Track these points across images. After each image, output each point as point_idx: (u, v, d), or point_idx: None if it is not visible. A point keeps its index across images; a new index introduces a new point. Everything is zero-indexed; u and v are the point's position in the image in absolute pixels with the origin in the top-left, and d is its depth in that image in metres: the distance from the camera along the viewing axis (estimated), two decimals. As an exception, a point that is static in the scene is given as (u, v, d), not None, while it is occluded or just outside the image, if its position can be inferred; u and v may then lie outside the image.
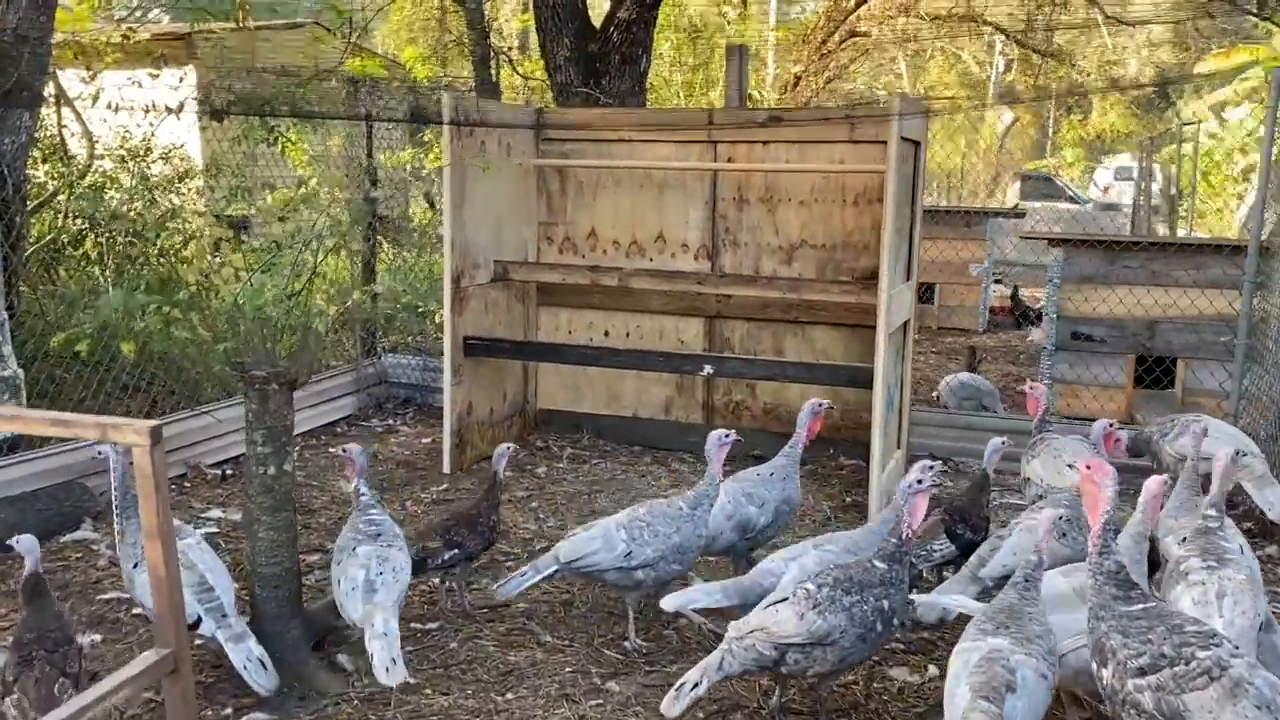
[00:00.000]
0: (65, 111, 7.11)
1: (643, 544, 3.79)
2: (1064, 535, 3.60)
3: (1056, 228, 13.79)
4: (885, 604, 3.14)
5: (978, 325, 11.54)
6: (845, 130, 5.98)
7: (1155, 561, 3.61)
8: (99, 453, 3.88)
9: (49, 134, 7.31)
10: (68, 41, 6.74)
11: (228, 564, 3.86)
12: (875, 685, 3.64)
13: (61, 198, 7.06)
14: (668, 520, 3.85)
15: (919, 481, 3.25)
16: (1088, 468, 2.96)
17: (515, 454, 4.39)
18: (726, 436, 4.00)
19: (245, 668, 3.39)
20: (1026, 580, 3.01)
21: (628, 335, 6.71)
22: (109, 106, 6.09)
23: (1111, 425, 4.30)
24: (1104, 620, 2.80)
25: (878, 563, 3.20)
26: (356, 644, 3.81)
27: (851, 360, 6.05)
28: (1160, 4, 19.44)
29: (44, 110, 6.54)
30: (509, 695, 3.58)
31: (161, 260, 7.18)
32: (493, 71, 10.71)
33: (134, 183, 7.42)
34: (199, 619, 3.41)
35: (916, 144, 5.61)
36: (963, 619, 3.22)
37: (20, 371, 5.31)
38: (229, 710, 3.44)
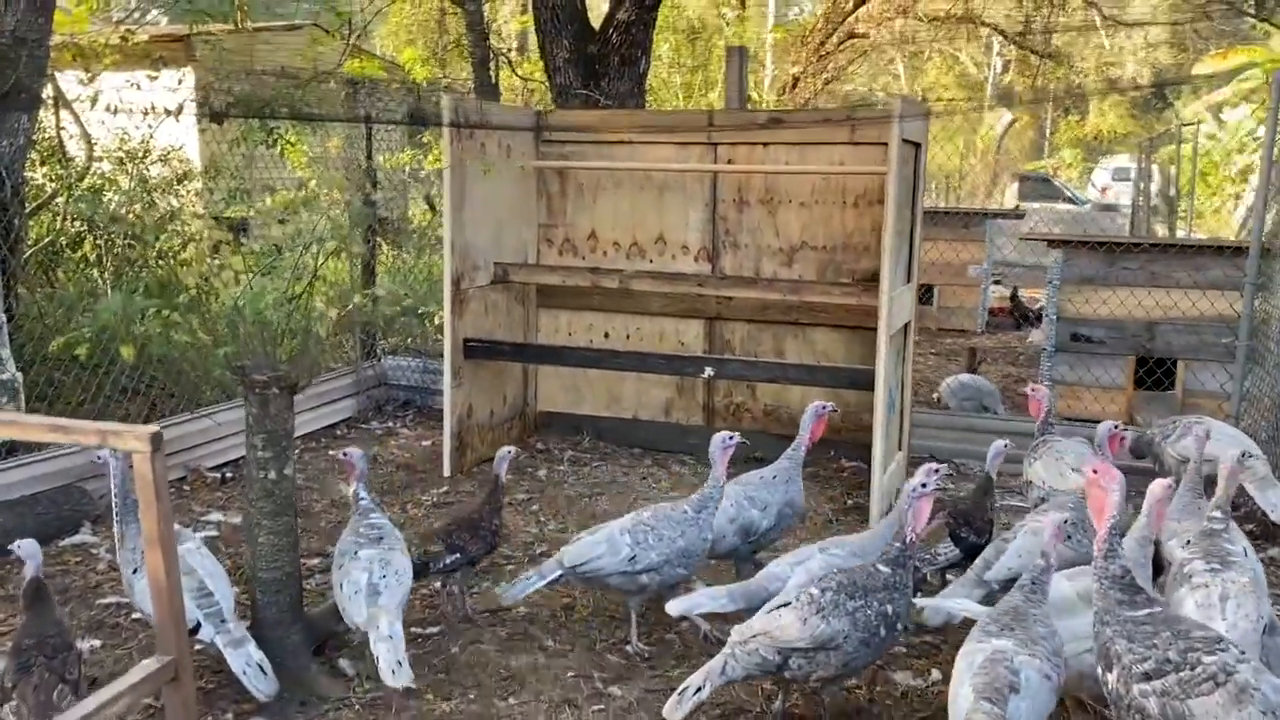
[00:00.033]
0: (63, 113, 7.09)
1: (647, 548, 3.78)
2: (1069, 538, 3.59)
3: (1055, 229, 13.80)
4: (889, 608, 3.13)
5: (976, 326, 11.54)
6: (845, 132, 5.98)
7: (1159, 565, 3.60)
8: (98, 457, 3.86)
9: (47, 136, 7.30)
10: (66, 43, 6.72)
11: (227, 568, 3.85)
12: (878, 689, 3.63)
13: (60, 200, 7.05)
14: (672, 524, 3.84)
15: (923, 485, 3.24)
16: (1094, 472, 2.95)
17: (516, 457, 4.38)
18: (730, 439, 3.97)
19: (245, 673, 3.38)
20: (1034, 583, 3.00)
21: (628, 337, 6.70)
22: (108, 109, 6.07)
23: (1117, 427, 4.28)
24: (1109, 625, 2.79)
25: (881, 567, 3.19)
26: (357, 649, 3.80)
27: (852, 362, 6.04)
28: (1158, 5, 19.47)
29: (42, 112, 6.53)
30: (511, 700, 3.57)
31: (160, 263, 7.16)
32: (492, 73, 10.70)
33: (133, 185, 7.40)
34: (198, 624, 3.39)
35: (917, 145, 5.60)
36: (968, 622, 3.21)
37: (19, 375, 5.29)
38: (230, 716, 3.43)
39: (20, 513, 4.77)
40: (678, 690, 3.13)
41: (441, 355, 6.24)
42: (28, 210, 6.33)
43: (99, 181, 7.41)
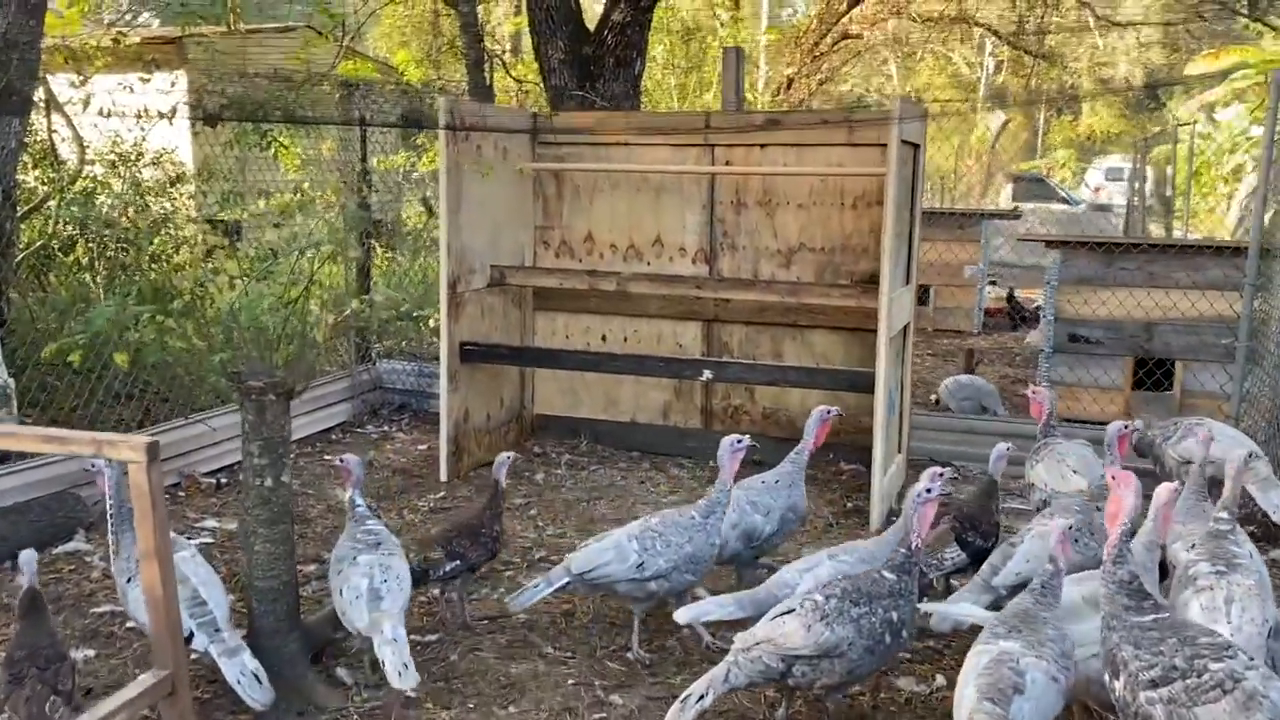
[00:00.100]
0: (55, 116, 7.04)
1: (655, 554, 3.74)
2: (1075, 541, 3.57)
3: (1050, 229, 13.82)
4: (894, 615, 3.10)
5: (973, 327, 11.53)
6: (844, 133, 5.96)
7: (1164, 569, 3.58)
8: (91, 465, 3.81)
9: (39, 139, 7.24)
10: (58, 46, 6.67)
11: (222, 575, 3.80)
12: (882, 696, 3.60)
13: (52, 203, 6.99)
14: (680, 530, 3.80)
15: (928, 490, 3.21)
16: (1113, 478, 2.95)
17: (515, 462, 4.34)
18: (739, 442, 3.92)
19: (239, 682, 3.34)
20: (1044, 587, 2.99)
21: (625, 340, 6.67)
22: (100, 112, 6.02)
23: (1126, 427, 4.25)
24: (1115, 631, 2.78)
25: (886, 573, 3.16)
26: (355, 657, 3.77)
27: (851, 364, 6.02)
28: (1151, 5, 19.50)
29: (34, 115, 6.47)
30: (511, 709, 3.53)
31: (154, 267, 7.11)
32: (486, 75, 10.65)
33: (125, 188, 7.35)
34: (191, 634, 3.35)
35: (915, 146, 5.58)
36: (975, 628, 3.19)
37: (11, 381, 5.24)
38: (226, 726, 3.39)
39: (13, 520, 4.71)
40: (680, 698, 3.10)
41: (437, 358, 6.20)
42: (19, 214, 6.27)
43: (91, 185, 7.35)
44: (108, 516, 3.59)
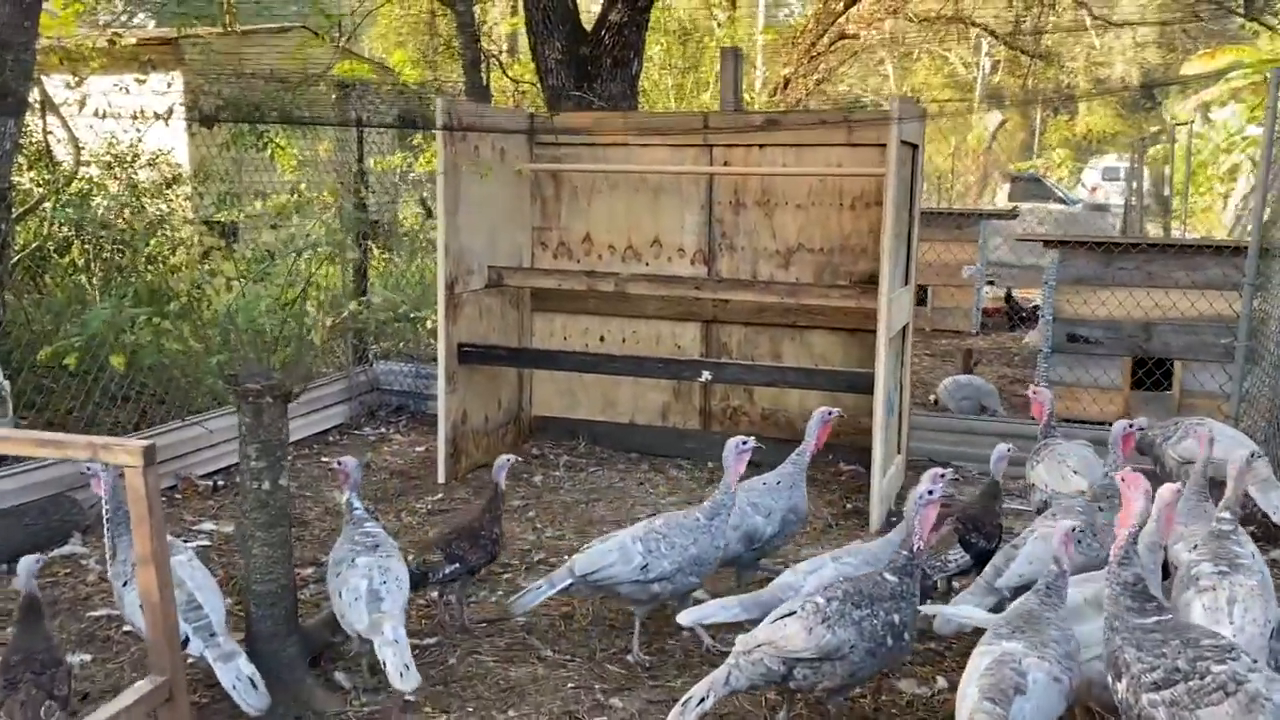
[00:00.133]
0: (50, 118, 7.01)
1: (660, 556, 3.72)
2: (1078, 542, 3.55)
3: (1047, 229, 13.80)
4: (896, 618, 3.09)
5: (971, 327, 11.52)
6: (842, 133, 5.94)
7: (1165, 569, 3.57)
8: (88, 468, 3.79)
9: (34, 141, 7.21)
10: (53, 46, 6.64)
11: (220, 579, 3.78)
12: (883, 698, 3.59)
13: (47, 205, 6.96)
14: (684, 532, 3.78)
15: (929, 492, 3.20)
16: (1123, 479, 2.94)
17: (515, 465, 4.31)
18: (745, 444, 3.89)
19: (234, 687, 3.31)
20: (1049, 588, 2.99)
21: (623, 340, 6.65)
22: (96, 113, 5.99)
23: (1131, 426, 4.23)
24: (1118, 632, 2.77)
25: (888, 575, 3.15)
26: (353, 660, 3.74)
27: (850, 365, 6.00)
28: (1147, 5, 19.51)
29: (29, 116, 6.44)
30: (510, 712, 3.51)
31: (150, 268, 7.08)
32: (483, 75, 10.64)
33: (121, 189, 7.32)
34: (186, 638, 3.32)
35: (914, 147, 5.57)
36: (979, 630, 3.18)
37: (6, 383, 5.21)
38: (224, 731, 3.36)
39: (9, 523, 4.69)
40: (680, 701, 3.08)
41: (434, 360, 6.18)
42: (14, 215, 6.24)
43: (87, 186, 7.32)
44: (104, 520, 3.56)
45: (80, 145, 7.10)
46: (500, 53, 14.85)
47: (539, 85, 8.84)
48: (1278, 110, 5.60)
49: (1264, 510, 4.63)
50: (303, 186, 7.62)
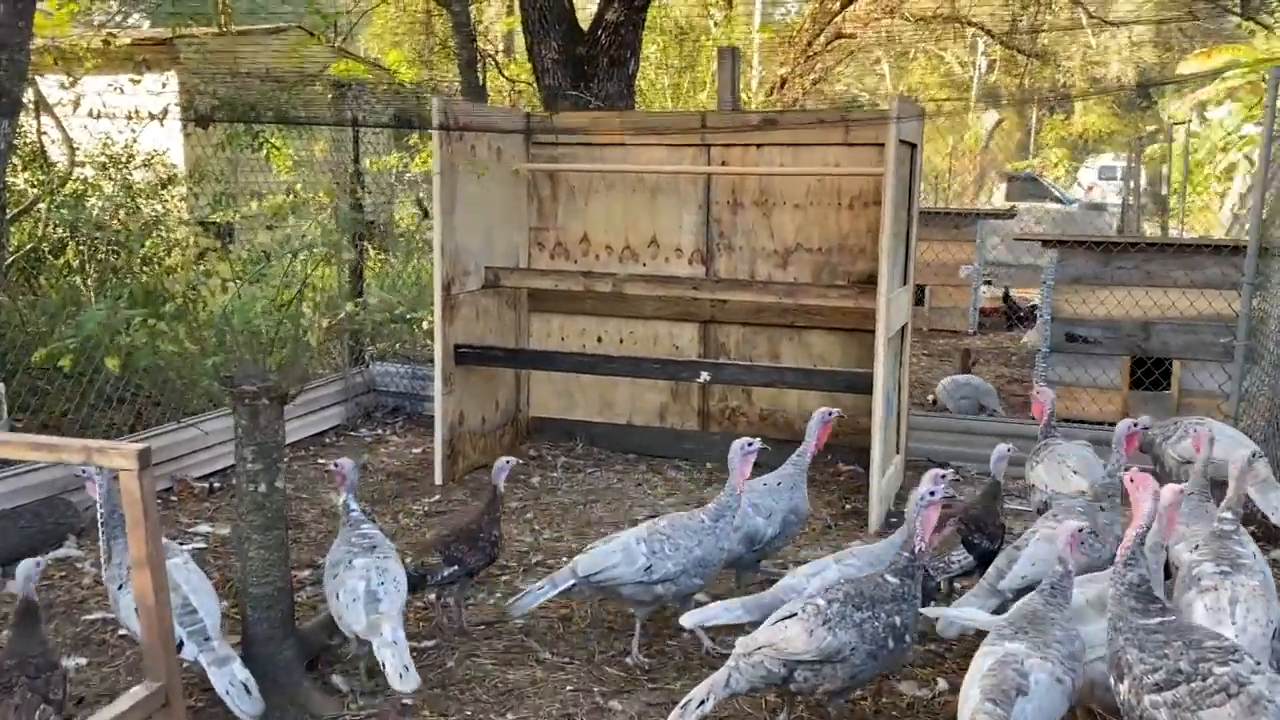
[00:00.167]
0: (45, 118, 6.98)
1: (663, 557, 3.70)
2: (1081, 544, 3.54)
3: (1045, 228, 13.81)
4: (897, 620, 3.07)
5: (968, 327, 11.52)
6: (840, 133, 5.93)
7: (1166, 569, 3.55)
8: (83, 470, 3.76)
9: (28, 141, 7.18)
10: (47, 46, 6.60)
11: (215, 582, 3.75)
12: (884, 700, 3.57)
13: (42, 206, 6.93)
14: (689, 533, 3.76)
15: (930, 493, 3.18)
16: (1130, 480, 2.94)
17: (514, 467, 4.29)
18: (750, 445, 3.85)
19: (228, 693, 3.28)
20: (1053, 588, 2.98)
21: (621, 341, 6.63)
22: (90, 114, 5.96)
23: (1135, 425, 4.22)
24: (1121, 633, 2.77)
25: (890, 577, 3.13)
26: (350, 664, 3.72)
27: (849, 365, 5.99)
28: (1143, 4, 19.53)
29: (23, 117, 6.41)
30: (509, 715, 3.49)
31: (145, 269, 7.06)
32: (479, 75, 10.60)
33: (116, 190, 7.29)
34: (181, 642, 3.29)
35: (913, 146, 5.56)
36: (982, 632, 3.17)
37: (1, 386, 5.18)
38: (220, 736, 3.34)
39: (3, 527, 4.66)
40: (680, 703, 3.06)
41: (431, 361, 6.15)
42: (9, 216, 6.21)
43: (82, 187, 7.29)
44: (99, 523, 3.54)
45: (75, 146, 7.07)
46: (496, 52, 14.81)
47: (535, 85, 8.82)
48: (1276, 109, 5.59)
49: (1263, 511, 4.62)
50: (298, 187, 7.59)
